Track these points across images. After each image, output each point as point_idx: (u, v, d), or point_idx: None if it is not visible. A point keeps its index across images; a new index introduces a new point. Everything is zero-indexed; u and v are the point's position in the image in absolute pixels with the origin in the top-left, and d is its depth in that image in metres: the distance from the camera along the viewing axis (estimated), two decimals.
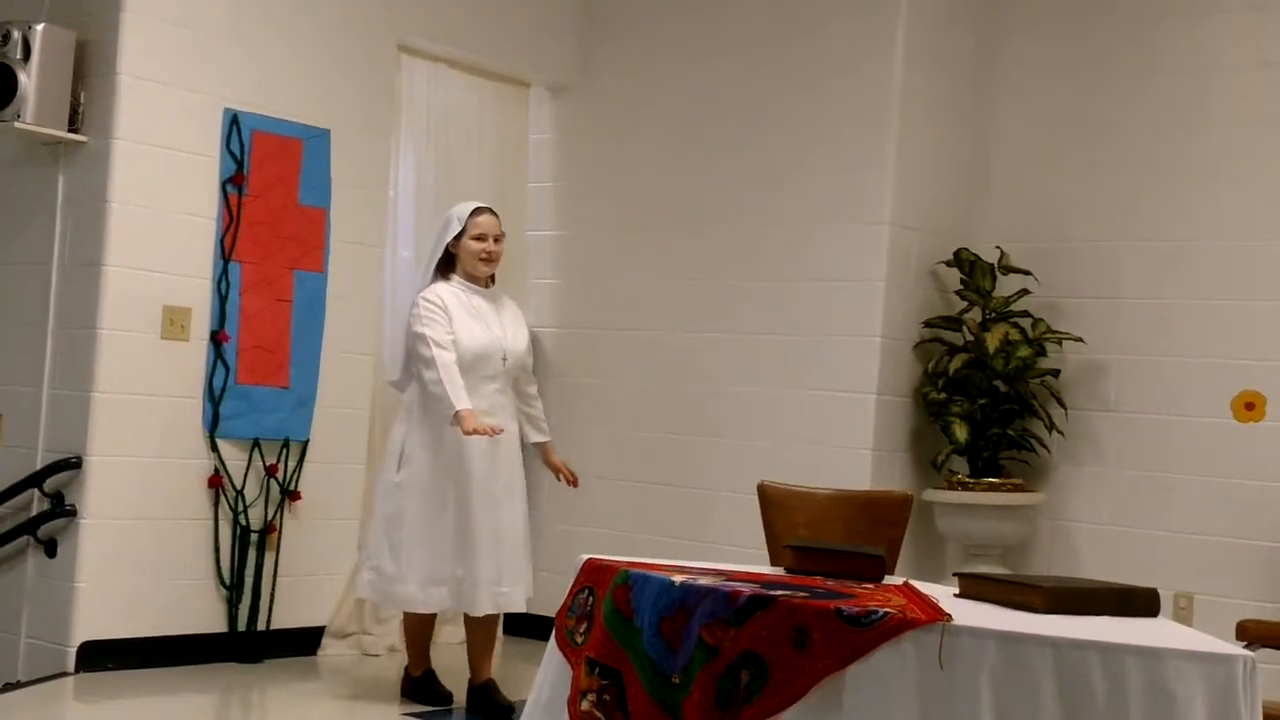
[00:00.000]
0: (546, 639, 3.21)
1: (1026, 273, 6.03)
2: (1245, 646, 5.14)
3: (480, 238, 5.03)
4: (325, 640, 5.92)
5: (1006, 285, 6.05)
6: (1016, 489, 5.89)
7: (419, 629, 5.18)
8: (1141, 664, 2.54)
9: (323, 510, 5.85)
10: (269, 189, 5.66)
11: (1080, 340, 5.94)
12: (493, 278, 5.15)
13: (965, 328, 6.03)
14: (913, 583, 3.22)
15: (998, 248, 6.10)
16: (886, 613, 2.61)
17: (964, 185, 6.29)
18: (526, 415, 5.21)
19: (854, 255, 5.99)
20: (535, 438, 5.25)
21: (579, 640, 3.02)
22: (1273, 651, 5.29)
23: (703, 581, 2.87)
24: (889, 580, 3.28)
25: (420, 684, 5.22)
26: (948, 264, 6.10)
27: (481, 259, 5.03)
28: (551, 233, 6.93)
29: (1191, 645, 2.66)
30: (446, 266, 5.06)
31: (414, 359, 4.92)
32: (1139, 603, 3.01)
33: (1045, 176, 6.18)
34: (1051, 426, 5.94)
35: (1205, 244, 5.78)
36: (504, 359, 4.99)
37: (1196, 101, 5.84)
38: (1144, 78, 5.97)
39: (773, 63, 6.30)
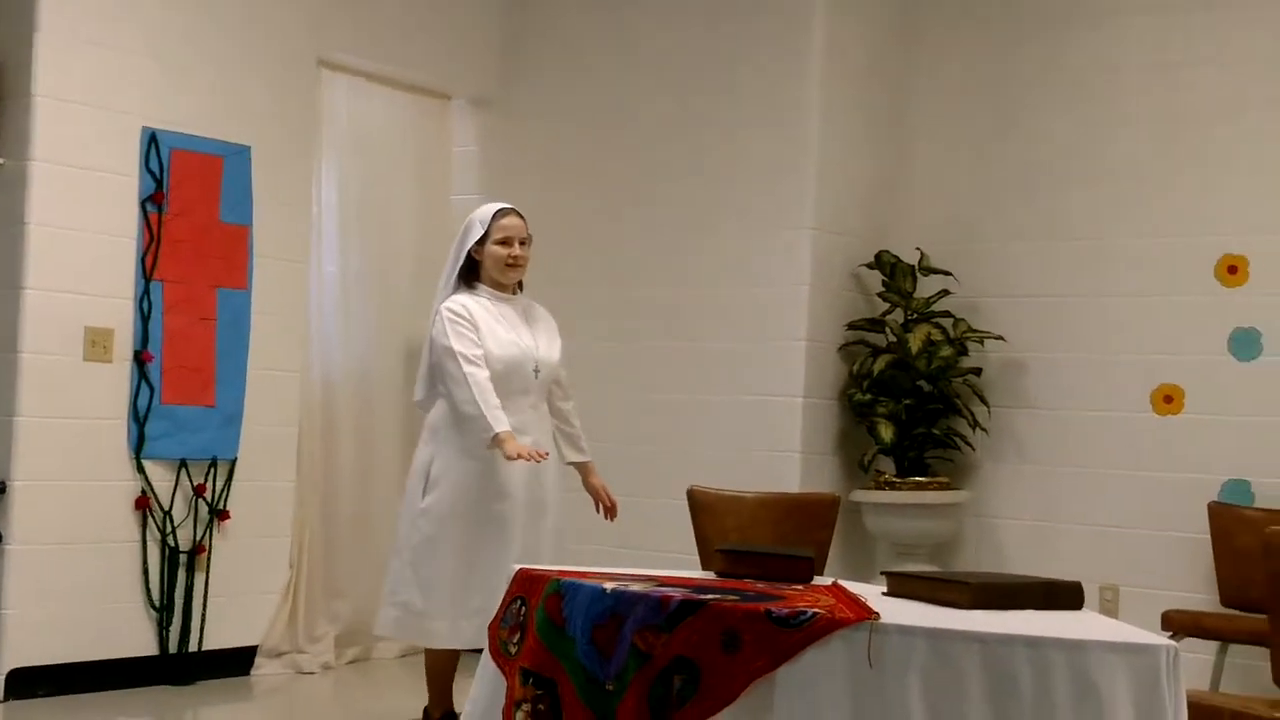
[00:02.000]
0: (480, 651, 3.21)
1: (946, 273, 6.12)
2: (1170, 636, 5.25)
3: (505, 242, 4.59)
4: (259, 660, 5.87)
5: (927, 286, 6.13)
6: (942, 487, 5.97)
7: (446, 666, 4.70)
8: (1067, 657, 2.59)
9: (253, 529, 5.81)
10: (190, 207, 5.62)
11: (1001, 339, 6.03)
12: (520, 284, 4.76)
13: (888, 329, 6.10)
14: (842, 583, 3.25)
15: (918, 249, 6.18)
16: (815, 613, 2.64)
17: (884, 189, 6.38)
18: (562, 433, 4.76)
19: (778, 260, 6.05)
20: (573, 456, 4.78)
21: (513, 651, 3.03)
22: (1197, 640, 5.41)
23: (634, 588, 2.89)
24: (818, 581, 3.31)
25: None
26: (869, 266, 6.18)
27: (508, 264, 4.60)
28: None
29: (1115, 636, 2.71)
30: (469, 274, 4.65)
31: (441, 376, 4.50)
32: (1063, 596, 3.06)
33: (963, 179, 6.28)
34: (975, 424, 6.03)
35: (1120, 241, 5.90)
36: (536, 371, 4.58)
37: (1105, 103, 5.97)
38: (1054, 82, 6.09)
39: (693, 71, 6.34)
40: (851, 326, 6.17)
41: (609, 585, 2.92)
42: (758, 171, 6.13)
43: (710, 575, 3.41)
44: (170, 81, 5.56)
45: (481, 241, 4.60)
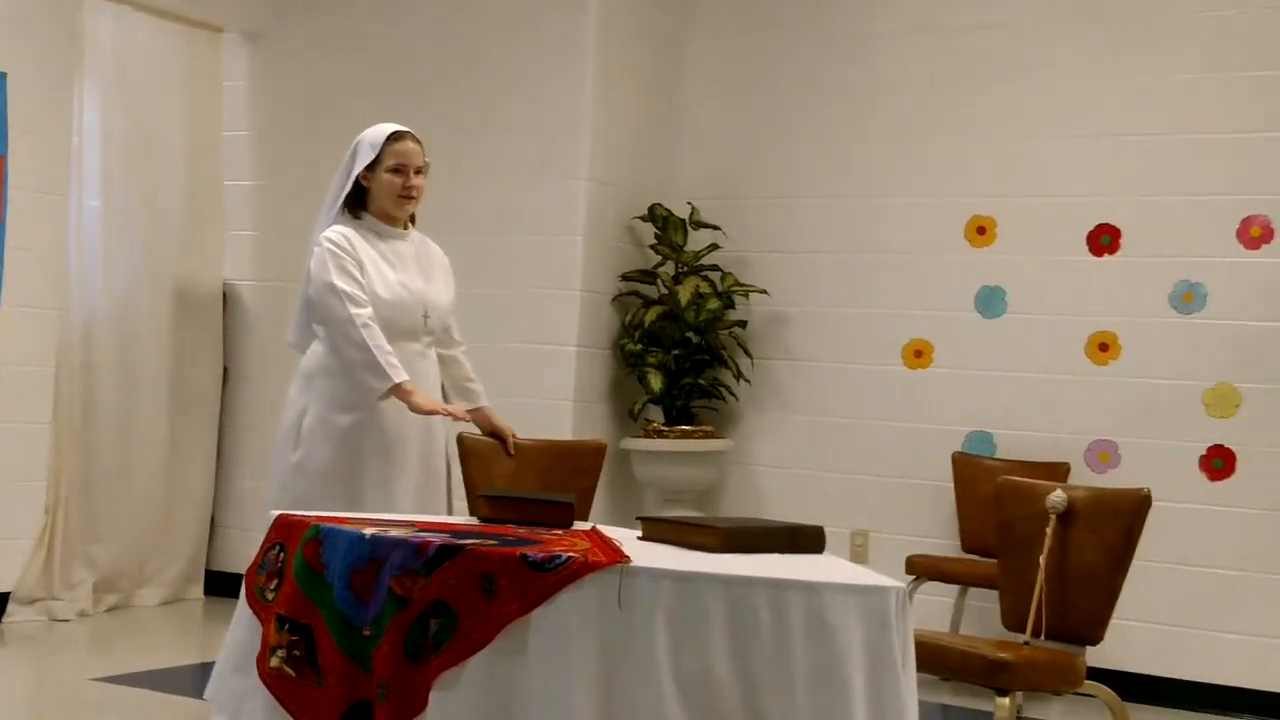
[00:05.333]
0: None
1: (716, 228, 6.28)
2: (914, 579, 5.54)
3: (399, 170, 4.04)
4: (11, 607, 5.70)
5: (697, 240, 6.28)
6: (707, 436, 6.15)
7: None
8: (804, 598, 2.72)
9: (6, 472, 5.62)
10: None
11: (765, 292, 6.23)
12: (413, 218, 4.20)
13: (660, 281, 6.23)
14: (600, 528, 3.35)
15: (689, 204, 6.32)
16: (570, 557, 2.72)
17: (658, 143, 6.48)
18: (452, 380, 4.27)
19: (553, 210, 6.11)
20: (466, 405, 4.26)
21: (269, 597, 3.02)
22: (942, 584, 5.71)
23: (393, 533, 2.92)
24: (579, 526, 3.40)
25: None
26: (643, 219, 6.29)
27: (401, 196, 4.06)
28: (249, 183, 6.79)
29: (849, 579, 2.86)
30: (355, 203, 4.09)
31: (321, 316, 3.96)
32: (806, 539, 3.21)
33: (732, 136, 6.44)
34: (739, 375, 6.22)
35: (879, 200, 6.15)
36: (425, 316, 4.07)
37: (869, 67, 6.19)
38: (821, 43, 6.28)
39: (469, 18, 6.33)
40: (624, 278, 6.28)
41: (368, 531, 2.94)
42: (533, 122, 6.16)
43: (473, 521, 3.46)
44: None
45: (372, 167, 4.06)
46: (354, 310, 3.88)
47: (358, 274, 3.96)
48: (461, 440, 4.43)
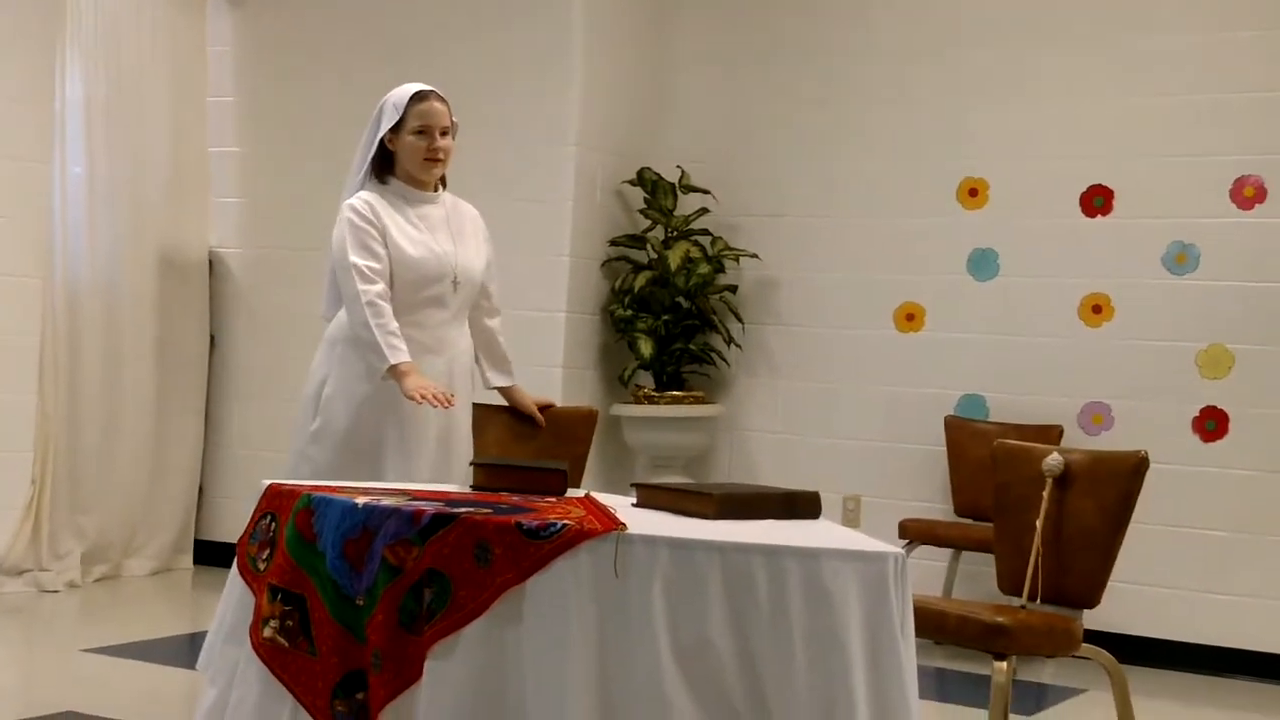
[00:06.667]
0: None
1: (706, 192, 6.23)
2: (906, 544, 5.53)
3: (423, 131, 3.89)
4: None
5: (687, 204, 6.24)
6: (698, 401, 6.12)
7: None
8: (801, 564, 2.70)
9: None
10: None
11: (755, 257, 6.19)
12: (444, 180, 4.06)
13: (649, 246, 6.19)
14: (594, 495, 3.32)
15: (679, 168, 6.27)
16: (565, 525, 2.69)
17: (647, 107, 6.43)
18: (486, 352, 4.16)
19: (542, 175, 6.06)
20: (497, 380, 4.19)
21: (261, 567, 2.99)
22: (934, 548, 5.71)
23: (386, 502, 2.89)
24: (572, 493, 3.37)
25: None
26: (632, 184, 6.24)
27: (426, 159, 3.91)
28: (234, 149, 6.73)
29: (847, 545, 2.83)
30: (382, 167, 3.96)
31: (341, 286, 3.87)
32: (801, 505, 3.18)
33: (722, 99, 6.39)
34: (730, 340, 6.19)
35: (870, 164, 6.11)
36: (455, 282, 3.93)
37: (860, 28, 6.15)
38: (812, 6, 6.24)
39: None
40: (614, 243, 6.24)
41: (361, 500, 2.91)
42: (522, 86, 6.10)
43: (466, 489, 3.43)
44: None
45: (396, 130, 3.92)
46: (362, 287, 3.77)
47: (377, 246, 3.83)
48: None
